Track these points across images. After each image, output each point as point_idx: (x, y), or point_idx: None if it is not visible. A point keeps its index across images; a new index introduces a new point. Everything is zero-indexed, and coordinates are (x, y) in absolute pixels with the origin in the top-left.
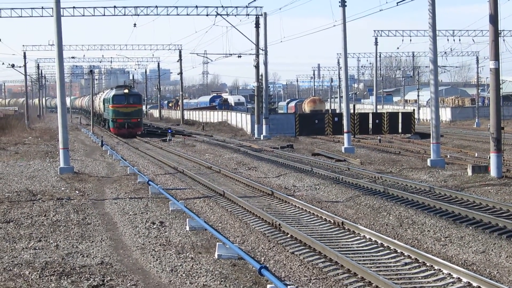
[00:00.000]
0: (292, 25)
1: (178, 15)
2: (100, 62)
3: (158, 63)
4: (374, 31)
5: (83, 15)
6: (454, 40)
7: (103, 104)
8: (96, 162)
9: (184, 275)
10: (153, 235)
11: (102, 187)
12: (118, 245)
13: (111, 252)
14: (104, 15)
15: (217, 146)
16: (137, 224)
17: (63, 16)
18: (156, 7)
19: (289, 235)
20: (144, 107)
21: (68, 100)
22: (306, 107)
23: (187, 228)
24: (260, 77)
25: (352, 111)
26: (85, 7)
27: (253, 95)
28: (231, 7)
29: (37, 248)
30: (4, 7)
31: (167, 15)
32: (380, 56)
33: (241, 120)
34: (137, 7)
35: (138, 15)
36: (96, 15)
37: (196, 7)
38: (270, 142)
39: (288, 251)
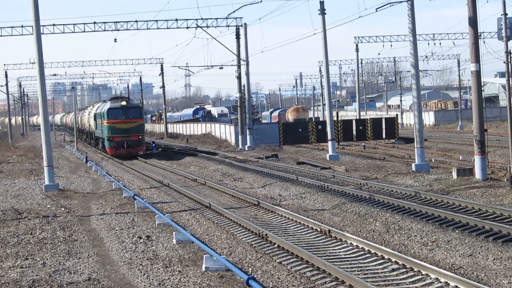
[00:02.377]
0: (273, 34)
1: (158, 28)
2: (82, 78)
3: (140, 77)
4: (355, 37)
5: (63, 32)
6: (434, 43)
7: (95, 120)
8: (81, 179)
9: None
10: (140, 249)
11: (87, 203)
12: (105, 261)
13: (98, 268)
14: (84, 31)
15: (202, 158)
16: (124, 239)
17: (43, 33)
18: (136, 21)
19: (276, 245)
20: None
21: (58, 117)
22: (290, 116)
23: (174, 242)
24: (242, 88)
25: (335, 118)
26: (65, 24)
27: (236, 106)
28: (211, 18)
29: (24, 266)
30: None
31: (147, 29)
32: (361, 63)
33: (225, 132)
34: (117, 22)
35: (118, 30)
36: (76, 32)
37: (176, 20)
38: (255, 152)
39: (275, 261)
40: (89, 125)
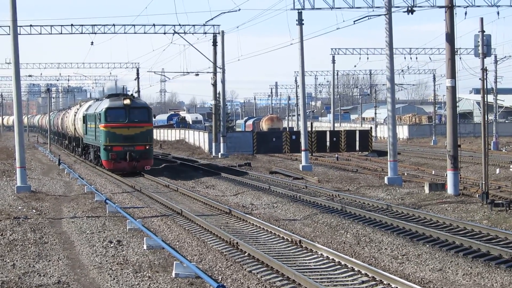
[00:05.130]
0: (250, 43)
1: (135, 33)
2: (58, 80)
3: (116, 82)
4: (332, 49)
5: (40, 33)
6: (411, 58)
7: (84, 122)
8: (53, 181)
9: None
10: (110, 254)
11: (59, 206)
12: (75, 264)
13: (68, 271)
14: (61, 33)
15: (175, 163)
16: (94, 243)
17: (20, 34)
18: (114, 25)
19: (246, 254)
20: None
21: (37, 118)
22: (264, 125)
23: (145, 247)
24: (217, 95)
25: (309, 129)
26: (42, 26)
27: (210, 113)
28: (189, 25)
29: None
30: None
31: (125, 33)
32: (337, 74)
33: (199, 138)
34: (94, 25)
35: (96, 33)
36: (53, 33)
37: (154, 25)
38: (228, 160)
39: (245, 269)
40: (75, 128)
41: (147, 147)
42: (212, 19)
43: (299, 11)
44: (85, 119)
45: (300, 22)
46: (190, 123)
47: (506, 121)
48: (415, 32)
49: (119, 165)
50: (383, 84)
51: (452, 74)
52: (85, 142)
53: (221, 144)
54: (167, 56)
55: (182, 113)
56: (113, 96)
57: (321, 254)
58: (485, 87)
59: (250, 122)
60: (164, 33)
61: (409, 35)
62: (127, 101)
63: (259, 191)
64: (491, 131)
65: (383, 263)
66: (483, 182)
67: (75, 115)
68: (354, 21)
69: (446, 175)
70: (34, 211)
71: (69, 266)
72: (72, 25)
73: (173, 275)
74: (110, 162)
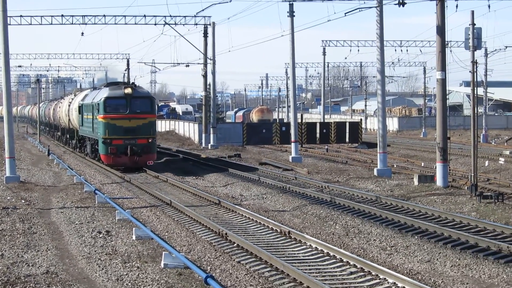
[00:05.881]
0: (241, 34)
1: (126, 24)
2: (48, 71)
3: (106, 72)
4: (322, 41)
5: (31, 24)
6: (401, 50)
7: (80, 113)
8: (42, 171)
9: (130, 284)
10: (99, 244)
11: (48, 196)
12: (64, 254)
13: (57, 261)
14: (51, 23)
15: (164, 155)
16: (83, 233)
17: (10, 24)
18: (104, 16)
19: (235, 244)
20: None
21: (27, 109)
22: (254, 117)
23: (134, 237)
24: (208, 87)
25: (299, 120)
26: (32, 16)
27: (201, 104)
28: (179, 16)
29: None
30: None
31: (115, 24)
32: (328, 66)
33: (189, 130)
34: (84, 16)
35: (86, 24)
36: (43, 24)
37: (144, 16)
38: (218, 151)
39: (234, 260)
40: (69, 120)
41: (150, 141)
42: (203, 10)
43: (290, 2)
44: (81, 109)
45: (291, 13)
46: (180, 114)
47: (496, 114)
48: (406, 25)
49: (119, 160)
50: (374, 76)
51: (443, 67)
52: (80, 134)
53: (211, 135)
54: (157, 47)
55: (172, 104)
56: (113, 85)
57: (310, 245)
58: (475, 80)
59: (240, 113)
60: (155, 24)
61: (400, 28)
62: (128, 90)
63: (249, 182)
64: (481, 123)
65: (372, 254)
66: (472, 174)
67: (69, 105)
68: (345, 13)
69: (435, 167)
70: (23, 201)
71: (58, 256)
72: (62, 15)
73: (162, 265)
74: (110, 156)
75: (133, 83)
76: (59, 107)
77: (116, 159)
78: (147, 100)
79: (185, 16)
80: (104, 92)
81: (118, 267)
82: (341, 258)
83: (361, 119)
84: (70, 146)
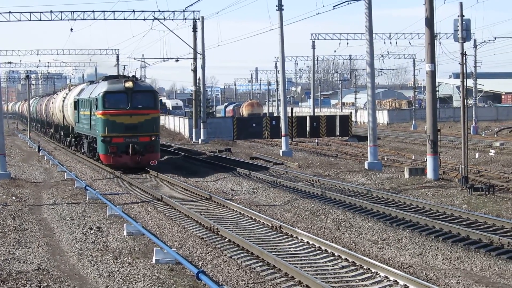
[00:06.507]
0: (230, 28)
1: (115, 19)
2: (37, 67)
3: (96, 68)
4: (312, 34)
5: (20, 20)
6: (390, 43)
7: (75, 109)
8: (33, 168)
9: (121, 280)
10: (90, 240)
11: (39, 193)
12: (55, 251)
13: (48, 258)
14: (40, 20)
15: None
16: (74, 230)
17: None
18: (93, 11)
19: (227, 239)
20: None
21: (17, 105)
22: (244, 111)
23: (125, 233)
24: (197, 81)
25: (289, 114)
26: (21, 12)
27: (191, 99)
28: (168, 11)
29: None
30: None
31: (104, 19)
32: (317, 59)
33: (179, 124)
34: (73, 11)
35: (75, 19)
36: (32, 20)
37: (133, 11)
38: (208, 146)
39: (226, 255)
40: (63, 116)
41: (153, 138)
42: (192, 4)
43: None
44: (76, 105)
45: (280, 7)
46: (170, 109)
47: (486, 106)
48: (395, 17)
49: (120, 159)
50: (363, 69)
51: (432, 59)
52: (76, 131)
53: (202, 130)
54: (147, 42)
55: (162, 99)
56: (112, 78)
57: (301, 239)
58: (464, 71)
59: (230, 107)
60: (144, 19)
61: (389, 20)
62: (129, 84)
63: (240, 177)
64: (471, 115)
65: (363, 248)
66: (463, 167)
67: (63, 101)
68: (333, 6)
69: (426, 159)
70: (13, 198)
71: (49, 252)
72: (51, 11)
73: (153, 261)
74: (109, 156)
75: (133, 76)
76: (52, 102)
77: (116, 158)
78: (150, 94)
79: (174, 11)
80: (103, 86)
81: (110, 263)
82: (332, 252)
83: (351, 112)
84: (65, 144)
